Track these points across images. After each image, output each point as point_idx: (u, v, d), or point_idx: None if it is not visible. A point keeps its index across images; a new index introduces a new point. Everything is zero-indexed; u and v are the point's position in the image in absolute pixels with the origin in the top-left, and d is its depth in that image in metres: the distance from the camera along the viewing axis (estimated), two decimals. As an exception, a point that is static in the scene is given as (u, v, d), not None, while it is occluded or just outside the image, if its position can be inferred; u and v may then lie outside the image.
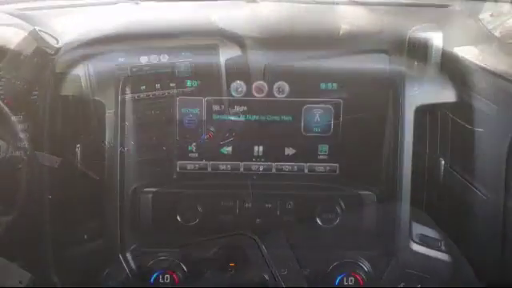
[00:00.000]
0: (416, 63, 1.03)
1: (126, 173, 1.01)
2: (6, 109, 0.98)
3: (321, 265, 1.04)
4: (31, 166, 1.04)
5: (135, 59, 1.02)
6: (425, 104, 1.01)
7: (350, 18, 1.14)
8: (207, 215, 1.02)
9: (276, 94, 1.02)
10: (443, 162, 1.02)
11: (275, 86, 1.02)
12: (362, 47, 1.04)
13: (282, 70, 1.02)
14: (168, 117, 1.03)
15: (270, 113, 1.03)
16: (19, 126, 1.04)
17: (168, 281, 1.01)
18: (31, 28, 0.99)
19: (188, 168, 1.05)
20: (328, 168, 1.05)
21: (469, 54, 1.04)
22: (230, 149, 1.05)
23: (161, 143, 1.04)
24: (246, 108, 1.03)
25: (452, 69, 1.03)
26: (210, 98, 1.03)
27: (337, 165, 1.05)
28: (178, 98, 1.03)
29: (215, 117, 1.03)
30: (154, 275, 1.02)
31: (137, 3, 1.19)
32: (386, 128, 1.02)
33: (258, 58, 1.02)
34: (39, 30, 0.98)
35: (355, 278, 1.02)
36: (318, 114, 1.03)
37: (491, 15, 1.10)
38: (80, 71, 1.04)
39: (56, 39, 1.02)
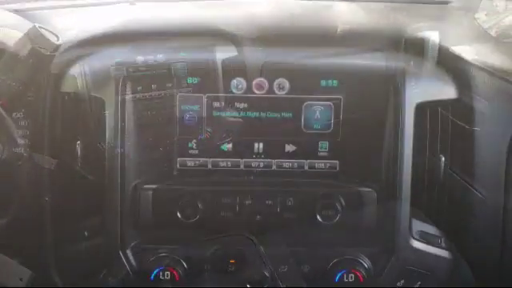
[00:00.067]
0: (416, 60, 1.03)
1: (126, 170, 1.01)
2: (1, 110, 0.99)
3: (321, 261, 1.04)
4: (31, 163, 1.05)
5: (135, 57, 1.02)
6: (425, 101, 1.01)
7: (351, 14, 1.14)
8: (207, 212, 1.01)
9: (276, 91, 1.03)
10: (443, 159, 1.02)
11: (275, 82, 1.02)
12: (362, 44, 1.04)
13: (283, 66, 1.02)
14: (168, 114, 1.03)
15: (270, 109, 1.03)
16: (19, 123, 1.04)
17: (168, 277, 1.01)
18: (31, 25, 0.99)
19: (188, 165, 1.05)
20: (328, 165, 1.05)
21: (468, 51, 1.05)
22: (230, 146, 1.05)
23: (161, 140, 1.04)
24: (246, 105, 1.03)
25: (452, 66, 1.03)
26: (211, 94, 1.03)
27: (337, 162, 1.05)
28: (178, 95, 1.03)
29: (215, 114, 1.03)
30: (155, 272, 1.02)
31: (133, 4, 1.19)
32: (387, 125, 1.02)
33: (258, 55, 1.02)
34: (39, 27, 0.98)
35: (355, 274, 1.03)
36: (318, 111, 1.03)
37: (486, 14, 1.10)
38: (80, 68, 1.04)
39: (56, 36, 1.02)
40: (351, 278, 1.02)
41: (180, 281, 1.02)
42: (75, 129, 1.04)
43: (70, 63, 1.04)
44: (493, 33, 1.04)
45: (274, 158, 1.05)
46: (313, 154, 1.05)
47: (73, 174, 1.04)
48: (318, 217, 1.01)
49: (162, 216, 1.02)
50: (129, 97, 1.01)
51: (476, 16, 1.09)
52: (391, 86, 1.01)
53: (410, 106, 1.00)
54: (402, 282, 1.05)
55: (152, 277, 1.02)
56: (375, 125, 1.03)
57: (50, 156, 1.03)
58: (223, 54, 1.02)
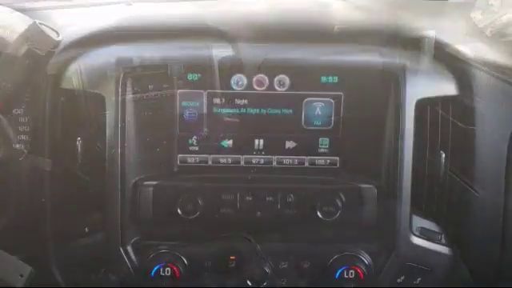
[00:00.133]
0: (416, 57, 1.03)
1: (126, 166, 1.01)
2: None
3: (321, 258, 1.04)
4: (31, 160, 1.05)
5: (135, 54, 1.02)
6: (425, 97, 1.01)
7: (351, 11, 1.14)
8: (208, 208, 1.01)
9: (277, 88, 1.03)
10: (443, 156, 1.02)
11: (276, 79, 1.02)
12: (362, 40, 1.03)
13: (283, 63, 1.02)
14: (168, 110, 1.03)
15: (270, 106, 1.03)
16: (19, 120, 1.04)
17: (169, 274, 1.01)
18: (31, 21, 0.99)
19: (188, 161, 1.05)
20: (328, 161, 1.05)
21: (468, 48, 1.05)
22: (230, 142, 1.05)
23: (161, 137, 1.04)
24: (246, 101, 1.03)
25: (452, 63, 1.03)
26: (211, 91, 1.03)
27: (337, 158, 1.05)
28: (178, 92, 1.03)
29: (216, 110, 1.03)
30: (155, 268, 1.02)
31: (129, 4, 1.19)
32: (387, 121, 1.02)
33: (258, 52, 1.02)
34: (39, 24, 0.98)
35: (355, 271, 1.03)
36: (318, 108, 1.03)
37: (482, 13, 1.11)
38: (80, 65, 1.04)
39: (56, 32, 1.02)
40: (351, 274, 1.03)
41: (180, 277, 1.02)
42: (75, 126, 1.04)
43: (70, 60, 1.04)
44: (488, 32, 1.04)
45: (275, 155, 1.05)
46: (313, 150, 1.05)
47: (73, 171, 1.04)
48: (319, 213, 1.01)
49: (162, 212, 1.02)
50: (129, 94, 1.01)
51: (472, 15, 1.09)
52: (392, 82, 1.01)
53: (410, 102, 1.00)
54: (403, 278, 1.05)
55: (152, 273, 1.02)
56: (376, 121, 1.03)
57: (50, 152, 1.03)
58: (223, 50, 1.02)
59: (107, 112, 1.00)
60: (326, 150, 1.05)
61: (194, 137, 1.04)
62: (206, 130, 1.04)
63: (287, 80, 1.02)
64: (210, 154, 1.05)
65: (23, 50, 0.97)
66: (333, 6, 1.15)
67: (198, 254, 1.04)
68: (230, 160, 1.05)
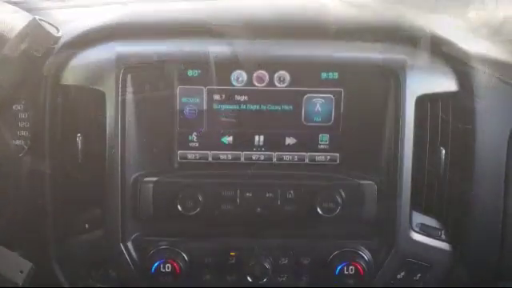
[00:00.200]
0: (416, 53, 1.03)
1: (126, 162, 1.01)
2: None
3: (321, 254, 1.04)
4: (32, 156, 1.05)
5: (135, 49, 1.02)
6: (426, 93, 1.01)
7: (351, 6, 1.14)
8: (208, 204, 1.01)
9: (277, 84, 1.02)
10: (443, 152, 1.02)
11: (276, 75, 1.02)
12: (362, 37, 1.03)
13: (283, 59, 1.02)
14: (169, 106, 1.03)
15: (270, 102, 1.03)
16: (20, 115, 1.05)
17: (169, 270, 1.01)
18: (31, 17, 0.99)
19: (189, 157, 1.05)
20: (329, 157, 1.05)
21: (468, 44, 1.05)
22: (230, 138, 1.05)
23: (161, 133, 1.04)
24: (246, 97, 1.03)
25: (452, 59, 1.03)
26: (211, 87, 1.03)
27: (337, 154, 1.05)
28: (178, 88, 1.03)
29: (216, 106, 1.03)
30: (155, 264, 1.02)
31: (125, 5, 1.19)
32: (387, 117, 1.02)
33: (258, 48, 1.02)
34: (39, 19, 0.98)
35: (355, 267, 1.03)
36: (318, 104, 1.03)
37: (477, 13, 1.11)
38: (80, 61, 1.04)
39: (56, 28, 1.02)
40: (351, 270, 1.03)
41: (181, 273, 1.02)
42: (76, 122, 1.04)
43: (70, 56, 1.04)
44: (484, 31, 1.05)
45: (275, 151, 1.05)
46: (313, 146, 1.05)
47: (73, 167, 1.04)
48: (319, 209, 1.01)
49: (162, 209, 1.02)
50: (129, 90, 1.01)
51: (469, 15, 1.10)
52: (392, 78, 1.00)
53: (410, 98, 1.00)
54: (402, 274, 1.06)
55: (153, 269, 1.02)
56: (376, 117, 1.03)
57: (50, 149, 1.03)
58: (224, 47, 1.02)
59: (107, 108, 1.00)
60: (326, 147, 1.05)
61: (194, 133, 1.04)
62: (206, 126, 1.04)
63: (287, 76, 1.02)
64: (210, 150, 1.05)
65: (23, 46, 0.97)
66: (333, 2, 1.15)
67: (198, 250, 1.04)
68: (230, 156, 1.05)
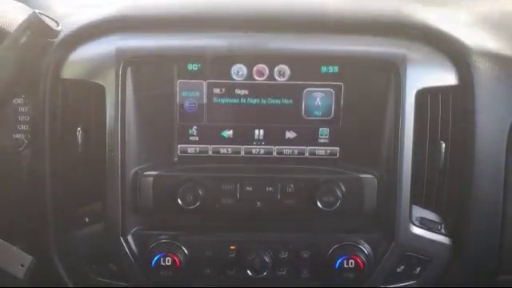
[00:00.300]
0: (417, 46, 1.03)
1: (126, 156, 1.01)
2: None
3: (321, 248, 1.05)
4: (32, 150, 1.05)
5: (135, 43, 1.02)
6: (426, 87, 1.01)
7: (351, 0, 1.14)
8: (208, 198, 1.02)
9: (277, 78, 1.02)
10: (443, 146, 1.02)
11: (276, 69, 1.02)
12: (362, 30, 1.03)
13: (283, 53, 1.01)
14: (169, 100, 1.03)
15: (270, 96, 1.03)
16: (20, 109, 1.05)
17: (169, 263, 1.02)
18: (31, 11, 0.99)
19: (189, 151, 1.05)
20: (329, 151, 1.05)
21: (469, 37, 1.05)
22: (230, 132, 1.05)
23: (161, 127, 1.04)
24: (246, 91, 1.03)
25: (453, 53, 1.03)
26: (211, 81, 1.03)
27: (337, 148, 1.05)
28: (178, 81, 1.03)
29: (216, 100, 1.03)
30: (155, 258, 1.02)
31: None
32: (387, 111, 1.02)
33: (258, 41, 1.02)
34: (39, 13, 0.98)
35: (355, 260, 1.03)
36: (318, 98, 1.03)
37: (477, 6, 1.11)
38: (80, 55, 1.04)
39: (56, 22, 1.01)
40: (351, 263, 1.03)
41: (181, 267, 1.02)
42: (76, 116, 1.04)
43: (70, 50, 1.04)
44: (496, 17, 1.04)
45: (275, 145, 1.05)
46: (313, 140, 1.05)
47: (74, 161, 1.04)
48: (319, 203, 1.01)
49: (162, 202, 1.02)
50: (129, 84, 1.01)
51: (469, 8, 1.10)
52: (392, 72, 1.00)
53: (410, 92, 0.99)
54: (402, 267, 1.06)
55: (153, 263, 1.02)
56: (376, 111, 1.02)
57: (50, 142, 1.03)
58: (223, 40, 1.01)
59: (107, 102, 1.00)
60: (326, 140, 1.05)
61: (194, 127, 1.04)
62: (205, 120, 1.04)
63: (287, 70, 1.02)
64: (210, 144, 1.05)
65: (23, 39, 0.97)
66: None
67: (198, 243, 1.04)
68: (230, 150, 1.05)
